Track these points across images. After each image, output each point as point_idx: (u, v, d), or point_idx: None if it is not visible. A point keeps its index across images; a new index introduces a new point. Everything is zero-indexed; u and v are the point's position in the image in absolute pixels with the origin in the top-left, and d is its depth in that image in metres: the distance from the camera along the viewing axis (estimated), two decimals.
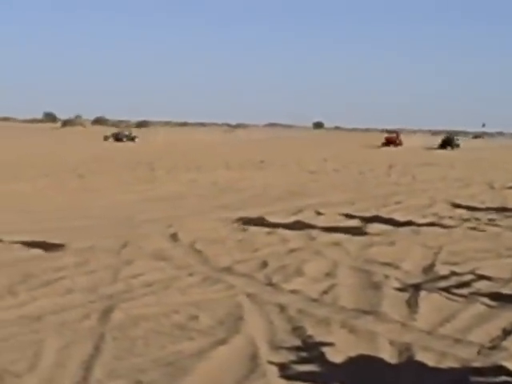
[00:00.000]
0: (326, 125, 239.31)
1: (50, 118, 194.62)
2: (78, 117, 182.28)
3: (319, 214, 20.16)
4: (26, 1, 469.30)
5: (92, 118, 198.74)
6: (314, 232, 16.94)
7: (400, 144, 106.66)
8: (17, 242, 14.40)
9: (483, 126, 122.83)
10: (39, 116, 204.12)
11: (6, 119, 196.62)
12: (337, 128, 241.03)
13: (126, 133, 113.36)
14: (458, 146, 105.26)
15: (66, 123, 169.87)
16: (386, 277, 12.09)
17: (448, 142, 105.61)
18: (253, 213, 19.88)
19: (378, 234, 16.81)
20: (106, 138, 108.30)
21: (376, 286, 11.42)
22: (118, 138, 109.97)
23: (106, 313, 9.47)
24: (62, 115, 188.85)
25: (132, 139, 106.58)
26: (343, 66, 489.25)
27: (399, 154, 70.53)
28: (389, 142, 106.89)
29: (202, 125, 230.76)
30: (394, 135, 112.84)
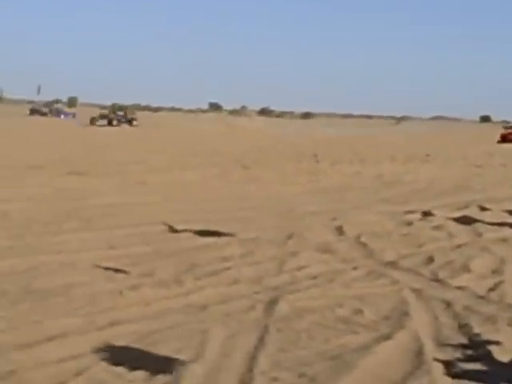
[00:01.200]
0: (494, 118, 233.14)
1: (214, 108, 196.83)
2: (243, 107, 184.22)
3: (485, 209, 19.88)
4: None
5: (257, 108, 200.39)
6: (481, 227, 16.71)
7: None
8: (184, 231, 14.68)
9: None
10: (205, 106, 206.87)
11: (172, 109, 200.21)
12: (504, 122, 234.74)
13: (120, 113, 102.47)
14: None
15: (231, 113, 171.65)
16: None
17: None
18: (418, 207, 19.75)
19: None
20: (92, 121, 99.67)
21: None
22: (109, 120, 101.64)
23: (271, 304, 9.55)
24: (228, 106, 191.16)
25: (129, 122, 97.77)
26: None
27: None
28: (504, 140, 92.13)
29: (368, 117, 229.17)
30: (511, 131, 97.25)
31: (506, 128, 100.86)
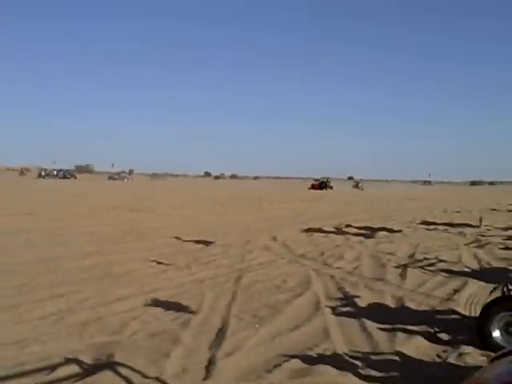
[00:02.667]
0: (356, 177, 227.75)
1: (207, 174, 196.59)
2: (222, 174, 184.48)
3: (350, 226, 20.00)
4: None
5: (230, 174, 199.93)
6: (349, 235, 16.84)
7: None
8: (189, 241, 14.60)
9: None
10: (201, 173, 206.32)
11: (184, 175, 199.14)
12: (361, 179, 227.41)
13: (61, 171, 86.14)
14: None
15: (215, 178, 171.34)
16: (388, 260, 12.00)
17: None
18: (315, 225, 19.85)
19: (383, 237, 16.60)
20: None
21: (383, 265, 11.32)
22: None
23: (238, 279, 9.56)
24: (215, 173, 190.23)
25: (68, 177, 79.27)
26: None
27: (381, 194, 69.01)
28: (314, 188, 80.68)
29: (289, 178, 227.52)
30: (317, 183, 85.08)
31: (315, 180, 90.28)
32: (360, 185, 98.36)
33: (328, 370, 5.14)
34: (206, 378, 4.95)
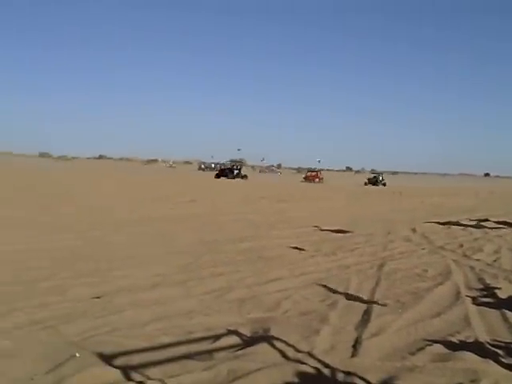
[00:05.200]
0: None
1: (348, 169, 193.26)
2: (363, 169, 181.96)
3: (487, 220, 18.91)
4: None
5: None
6: (487, 229, 16.04)
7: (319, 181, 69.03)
8: (332, 230, 14.61)
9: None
10: (343, 168, 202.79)
11: (327, 170, 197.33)
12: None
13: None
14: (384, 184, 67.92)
15: (356, 172, 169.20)
16: None
17: (375, 181, 68.99)
18: (452, 218, 19.08)
19: None
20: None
21: None
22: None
23: (381, 266, 9.47)
24: (356, 168, 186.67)
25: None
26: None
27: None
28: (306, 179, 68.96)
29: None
30: (315, 173, 73.60)
31: (311, 171, 78.60)
32: (381, 178, 70.66)
33: (470, 357, 4.97)
34: (353, 355, 4.98)
